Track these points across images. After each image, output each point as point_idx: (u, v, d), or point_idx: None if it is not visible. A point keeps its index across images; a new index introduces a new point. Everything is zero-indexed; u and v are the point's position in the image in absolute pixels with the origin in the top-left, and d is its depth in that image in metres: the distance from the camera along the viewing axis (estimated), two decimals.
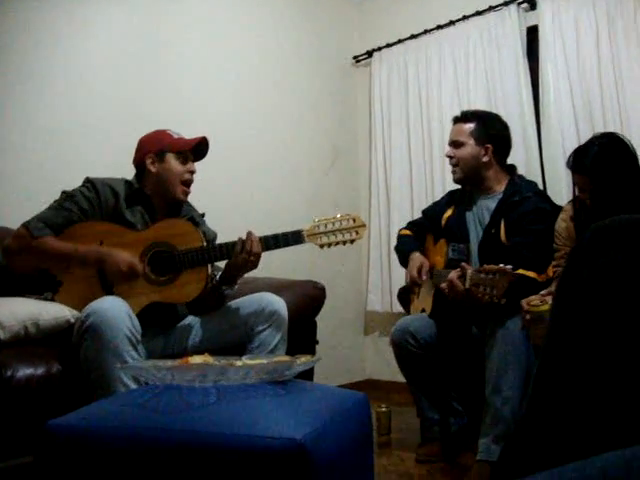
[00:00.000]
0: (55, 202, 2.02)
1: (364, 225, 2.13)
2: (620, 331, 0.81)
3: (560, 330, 0.89)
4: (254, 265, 2.05)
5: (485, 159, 2.45)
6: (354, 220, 2.10)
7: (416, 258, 2.51)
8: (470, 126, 2.47)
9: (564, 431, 0.82)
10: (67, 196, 2.02)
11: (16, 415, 1.62)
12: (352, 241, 2.11)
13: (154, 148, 2.14)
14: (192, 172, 2.16)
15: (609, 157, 2.08)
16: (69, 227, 1.98)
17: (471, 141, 2.46)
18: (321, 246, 2.09)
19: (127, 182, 2.14)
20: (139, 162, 2.17)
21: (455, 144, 2.50)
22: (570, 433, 0.81)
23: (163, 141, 2.15)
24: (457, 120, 2.55)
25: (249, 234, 2.02)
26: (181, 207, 2.21)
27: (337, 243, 2.10)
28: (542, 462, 0.80)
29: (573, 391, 0.83)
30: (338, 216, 2.10)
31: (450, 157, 2.52)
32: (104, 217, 2.03)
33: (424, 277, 2.44)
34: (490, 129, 2.48)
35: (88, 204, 2.01)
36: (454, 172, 2.52)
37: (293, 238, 2.06)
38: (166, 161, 2.12)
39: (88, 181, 2.07)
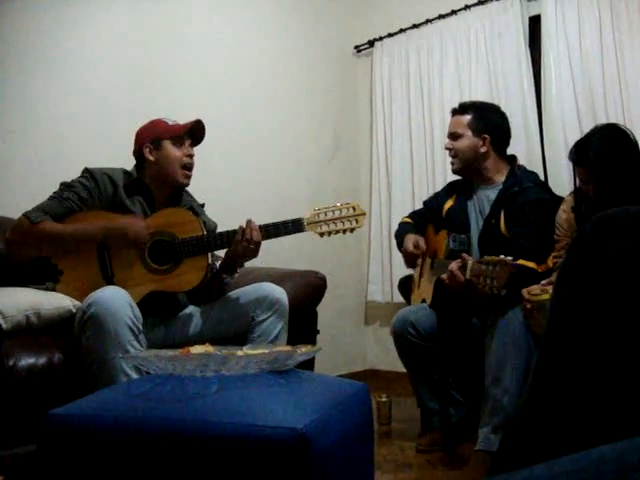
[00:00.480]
0: (54, 193, 2.03)
1: (364, 213, 2.11)
2: (620, 322, 0.81)
3: (560, 321, 0.89)
4: (254, 253, 2.05)
5: (483, 150, 2.45)
6: (354, 208, 2.09)
7: (411, 236, 2.53)
8: (467, 117, 2.48)
9: (563, 422, 0.82)
10: (66, 186, 2.03)
11: (18, 404, 1.62)
12: (352, 230, 2.10)
13: (150, 137, 2.14)
14: (190, 156, 2.15)
15: (611, 149, 2.08)
16: (69, 216, 1.98)
17: (469, 132, 2.46)
18: (321, 234, 2.08)
19: (126, 172, 2.14)
20: (137, 153, 2.17)
21: (453, 136, 2.50)
22: (569, 424, 0.81)
23: (158, 129, 2.15)
24: (455, 112, 2.55)
25: (249, 222, 2.02)
26: (181, 197, 2.21)
27: (337, 232, 2.09)
28: (541, 453, 0.80)
29: (572, 382, 0.83)
30: (338, 204, 2.10)
31: (449, 149, 2.52)
32: (103, 206, 2.04)
33: (424, 246, 2.48)
34: (487, 120, 2.48)
35: (87, 193, 2.02)
36: (453, 163, 2.53)
37: (293, 226, 2.05)
38: (163, 148, 2.12)
39: (87, 171, 2.07)
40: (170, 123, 2.16)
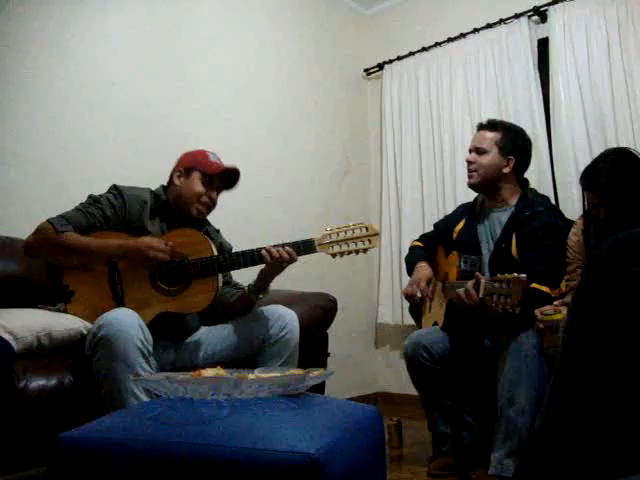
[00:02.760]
0: (81, 205, 2.02)
1: (377, 234, 2.04)
2: (637, 345, 0.80)
3: (576, 344, 0.88)
4: (282, 268, 2.05)
5: (506, 170, 2.44)
6: (367, 229, 2.03)
7: (421, 269, 2.47)
8: (496, 135, 2.45)
9: (581, 447, 0.81)
10: (93, 200, 2.03)
11: (28, 426, 1.62)
12: (365, 250, 2.04)
13: (186, 163, 2.16)
14: (211, 198, 2.15)
15: (622, 173, 2.07)
16: (91, 232, 1.98)
17: (495, 150, 2.43)
18: (333, 255, 2.03)
19: (152, 192, 2.14)
20: (171, 173, 2.20)
21: (478, 151, 2.46)
22: (588, 449, 0.80)
23: (196, 159, 2.16)
24: (482, 127, 2.52)
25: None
26: (199, 222, 2.21)
27: (349, 252, 2.03)
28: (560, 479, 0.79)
29: (590, 406, 0.82)
30: (351, 224, 2.04)
31: (470, 162, 2.48)
32: (125, 225, 2.03)
33: (420, 294, 2.38)
34: (515, 142, 2.46)
35: (112, 212, 2.02)
36: (471, 177, 2.48)
37: (304, 247, 2.03)
38: (191, 178, 2.13)
39: (115, 189, 2.07)
40: (212, 159, 2.17)
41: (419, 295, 2.38)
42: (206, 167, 2.14)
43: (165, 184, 2.21)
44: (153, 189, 2.17)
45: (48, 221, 1.93)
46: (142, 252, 1.92)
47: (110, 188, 2.08)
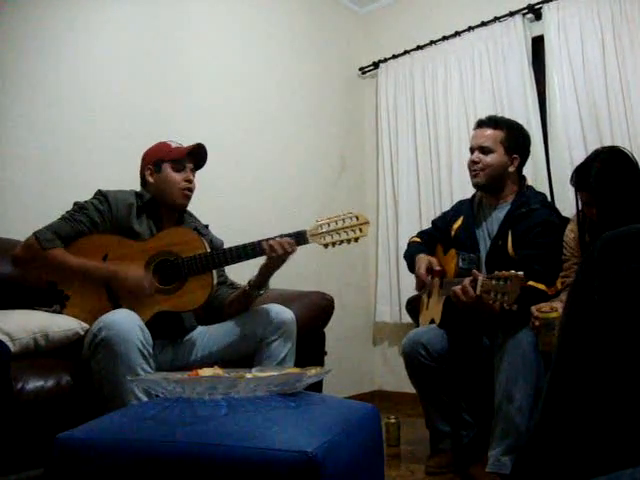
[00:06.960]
0: (67, 213, 2.02)
1: (367, 222, 2.07)
2: (634, 341, 0.81)
3: (572, 341, 0.88)
4: (283, 260, 2.05)
5: (511, 169, 2.42)
6: (357, 217, 2.06)
7: (423, 258, 2.49)
8: (500, 134, 2.42)
9: (578, 445, 0.81)
10: (79, 207, 2.03)
11: (26, 428, 1.61)
12: (357, 239, 2.06)
13: (152, 159, 2.16)
14: (189, 180, 2.15)
15: (612, 172, 2.07)
16: (78, 239, 1.98)
17: (501, 149, 2.40)
18: (325, 245, 2.05)
19: (137, 193, 2.15)
20: (141, 174, 2.20)
21: (484, 150, 2.42)
22: (584, 446, 0.80)
23: (161, 151, 2.16)
24: (483, 124, 2.47)
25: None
26: (183, 218, 2.22)
27: (341, 242, 2.06)
28: (556, 477, 0.79)
29: (586, 404, 0.82)
30: (341, 214, 2.07)
31: (475, 162, 2.43)
32: (114, 229, 2.04)
33: (437, 268, 2.42)
34: (519, 140, 2.44)
35: (99, 217, 2.02)
36: (476, 175, 2.44)
37: (297, 239, 2.04)
38: (163, 171, 2.13)
39: (100, 194, 2.07)
40: (174, 146, 2.18)
41: (437, 269, 2.42)
42: (173, 154, 2.14)
43: (139, 189, 2.19)
44: (138, 190, 2.17)
45: (34, 235, 1.92)
46: (128, 288, 1.94)
47: (95, 193, 2.09)
